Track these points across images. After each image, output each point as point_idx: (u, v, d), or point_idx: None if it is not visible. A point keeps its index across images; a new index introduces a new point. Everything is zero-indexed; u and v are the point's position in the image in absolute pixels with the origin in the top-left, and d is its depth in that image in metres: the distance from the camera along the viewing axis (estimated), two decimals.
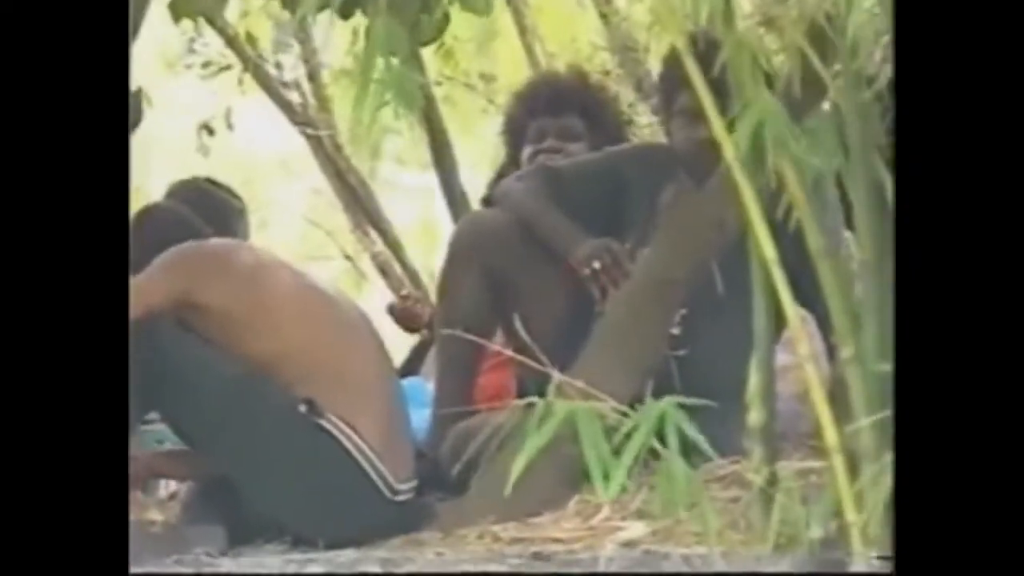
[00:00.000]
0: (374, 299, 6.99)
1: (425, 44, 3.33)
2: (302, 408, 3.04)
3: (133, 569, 1.98)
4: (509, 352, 3.19)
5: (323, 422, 3.06)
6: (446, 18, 3.28)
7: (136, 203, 4.28)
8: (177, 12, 3.30)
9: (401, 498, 3.11)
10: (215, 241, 3.49)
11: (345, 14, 2.98)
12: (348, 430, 3.07)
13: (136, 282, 3.06)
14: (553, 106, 3.91)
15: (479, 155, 9.02)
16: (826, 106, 2.13)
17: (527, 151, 3.92)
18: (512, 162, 4.02)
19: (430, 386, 4.10)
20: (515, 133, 4.00)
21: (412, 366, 4.51)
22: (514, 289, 3.48)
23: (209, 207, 3.93)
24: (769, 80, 2.15)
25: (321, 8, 3.19)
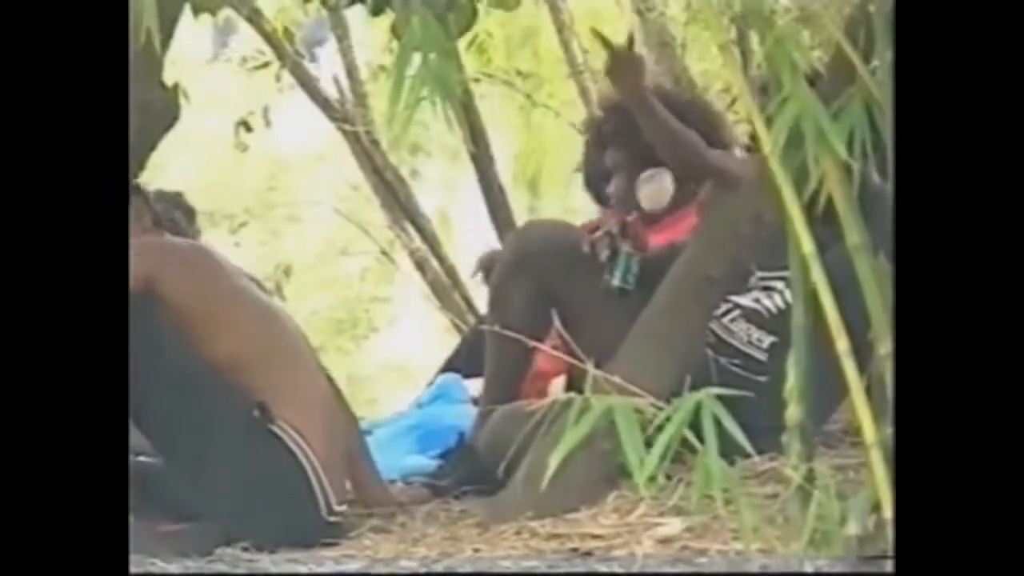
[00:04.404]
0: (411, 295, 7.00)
1: (455, 39, 3.34)
2: (255, 412, 3.04)
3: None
4: (556, 352, 3.20)
5: (275, 428, 3.06)
6: (474, 12, 3.28)
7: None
8: (197, 7, 3.31)
9: (333, 519, 3.10)
10: (182, 240, 3.55)
11: (376, 11, 2.98)
12: (299, 439, 3.06)
13: None
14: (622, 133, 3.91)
15: (515, 150, 9.03)
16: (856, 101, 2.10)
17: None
18: (598, 200, 4.05)
19: (466, 383, 4.12)
20: (591, 172, 4.05)
21: (454, 364, 4.54)
22: (563, 297, 3.49)
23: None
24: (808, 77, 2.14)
25: (350, 3, 3.19)
